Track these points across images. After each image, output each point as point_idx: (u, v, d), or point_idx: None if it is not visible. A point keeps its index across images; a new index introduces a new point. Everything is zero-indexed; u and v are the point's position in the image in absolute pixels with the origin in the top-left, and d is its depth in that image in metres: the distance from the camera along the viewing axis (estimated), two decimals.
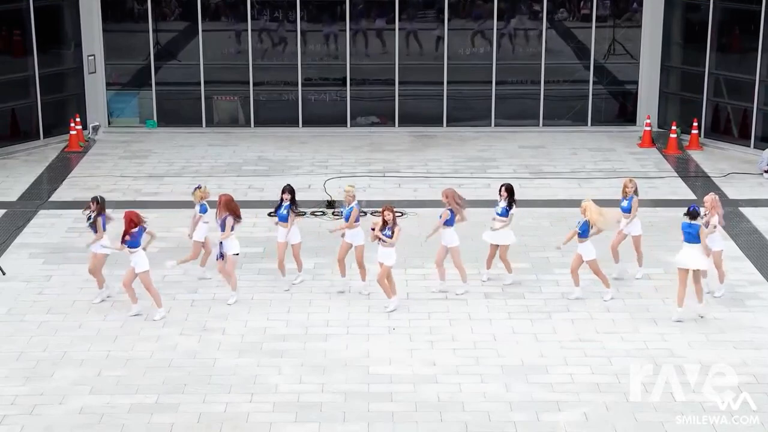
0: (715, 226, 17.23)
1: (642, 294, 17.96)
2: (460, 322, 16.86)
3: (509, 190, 18.24)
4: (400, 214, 21.58)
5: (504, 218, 18.12)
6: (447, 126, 29.12)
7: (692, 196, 23.07)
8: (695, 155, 26.64)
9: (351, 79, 28.97)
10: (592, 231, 17.40)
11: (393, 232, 16.95)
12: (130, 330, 16.56)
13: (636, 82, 29.08)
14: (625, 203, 18.38)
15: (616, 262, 18.48)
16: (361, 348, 15.98)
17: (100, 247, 17.27)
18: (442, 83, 28.86)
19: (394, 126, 29.16)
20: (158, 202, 22.92)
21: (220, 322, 16.89)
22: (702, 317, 16.80)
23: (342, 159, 26.44)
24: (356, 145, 27.65)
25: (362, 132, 28.79)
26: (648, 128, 27.64)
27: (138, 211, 17.20)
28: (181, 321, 16.90)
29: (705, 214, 17.16)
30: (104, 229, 17.25)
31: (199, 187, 18.29)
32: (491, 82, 28.90)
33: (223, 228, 17.18)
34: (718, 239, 17.59)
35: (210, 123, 29.13)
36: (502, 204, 18.18)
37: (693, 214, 16.75)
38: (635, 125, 28.88)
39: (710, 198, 17.41)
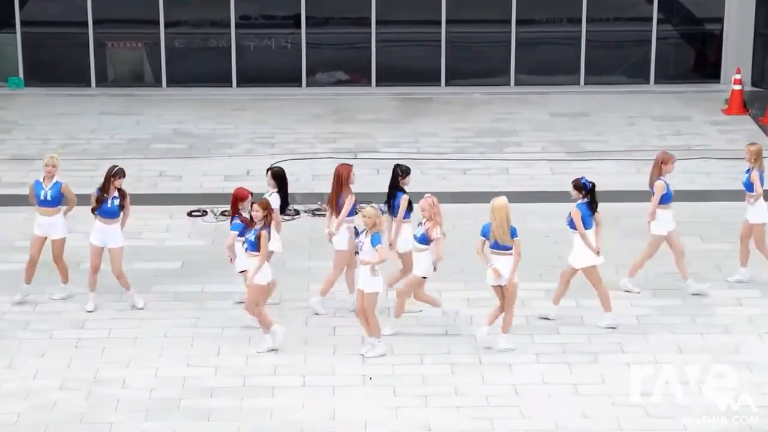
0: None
1: (730, 327, 18.13)
2: (467, 368, 16.99)
3: (578, 187, 18.25)
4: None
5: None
6: (447, 85, 29.26)
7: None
8: None
9: (307, 18, 29.05)
10: None
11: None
12: None
13: (721, 20, 29.27)
14: (745, 177, 19.25)
15: (743, 265, 19.25)
16: (324, 406, 16.07)
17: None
18: (440, 23, 28.98)
19: (371, 86, 29.28)
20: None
21: (119, 369, 16.94)
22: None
23: (295, 133, 26.54)
24: (316, 113, 27.74)
25: (324, 94, 28.90)
26: (738, 87, 27.83)
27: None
28: (61, 368, 16.94)
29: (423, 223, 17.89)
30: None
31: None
32: (510, 21, 29.04)
33: None
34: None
35: (103, 81, 29.18)
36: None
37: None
38: (720, 83, 29.11)
39: (426, 202, 17.91)
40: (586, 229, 17.96)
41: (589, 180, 18.18)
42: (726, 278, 19.40)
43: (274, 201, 18.33)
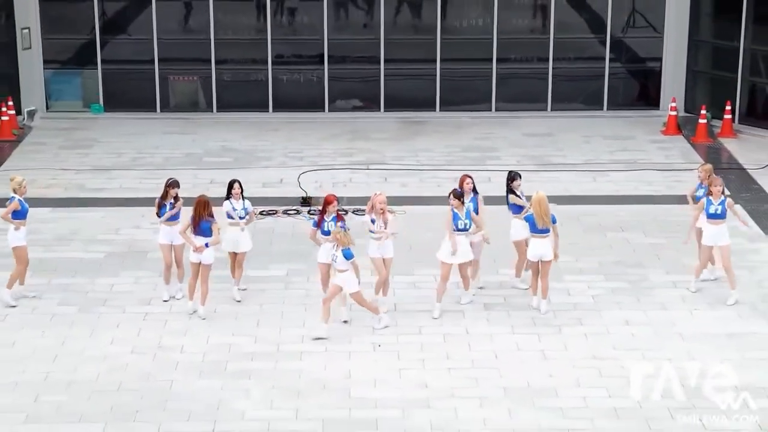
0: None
1: (667, 304, 18.09)
2: (456, 338, 16.95)
3: (456, 196, 17.91)
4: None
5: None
6: (440, 111, 29.22)
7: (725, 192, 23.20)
8: (728, 144, 26.79)
9: (329, 57, 29.03)
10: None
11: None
12: (72, 348, 16.59)
13: (660, 60, 29.22)
14: (701, 192, 18.76)
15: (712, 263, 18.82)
16: (342, 368, 16.05)
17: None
18: (435, 61, 28.96)
19: (379, 111, 29.24)
20: (104, 199, 22.94)
21: (178, 338, 16.93)
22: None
23: (319, 149, 26.49)
24: (335, 133, 27.70)
25: (342, 118, 28.85)
26: (673, 113, 27.78)
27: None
28: (132, 337, 16.93)
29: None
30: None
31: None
32: (491, 59, 29.00)
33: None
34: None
35: (165, 107, 29.16)
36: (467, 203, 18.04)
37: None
38: (659, 109, 29.05)
39: (380, 198, 17.67)
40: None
41: (460, 188, 17.94)
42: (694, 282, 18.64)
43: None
